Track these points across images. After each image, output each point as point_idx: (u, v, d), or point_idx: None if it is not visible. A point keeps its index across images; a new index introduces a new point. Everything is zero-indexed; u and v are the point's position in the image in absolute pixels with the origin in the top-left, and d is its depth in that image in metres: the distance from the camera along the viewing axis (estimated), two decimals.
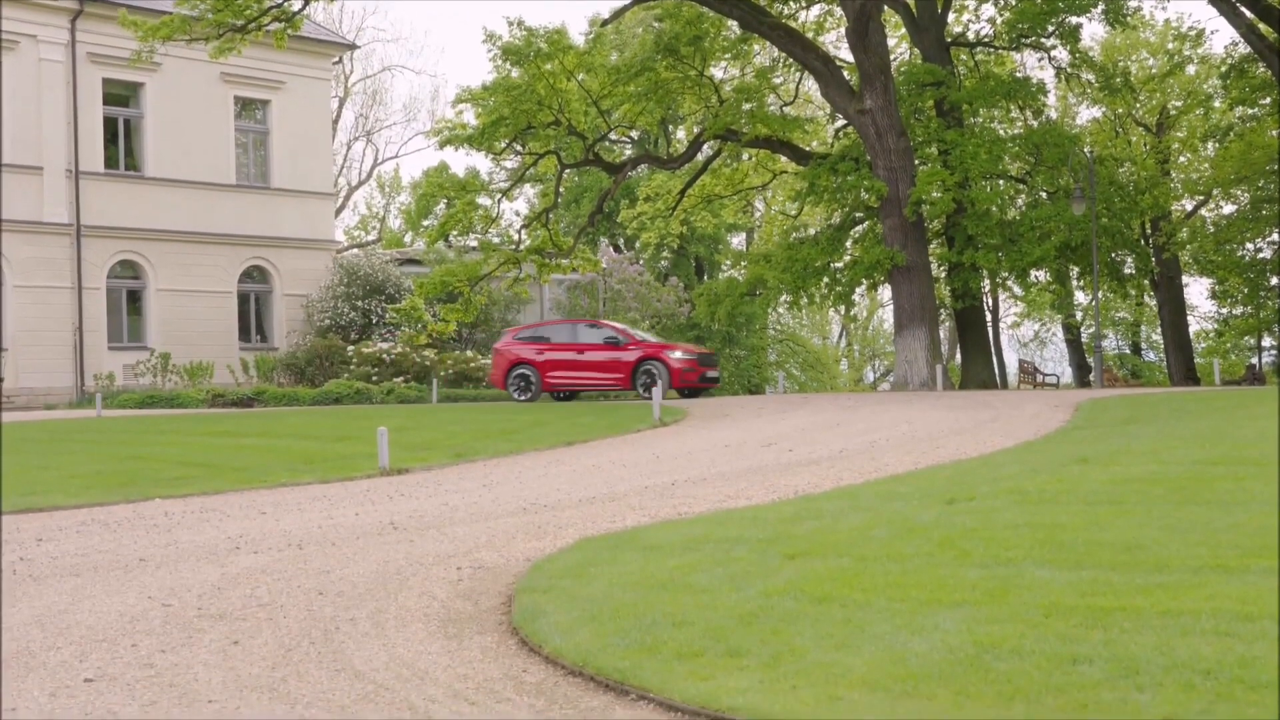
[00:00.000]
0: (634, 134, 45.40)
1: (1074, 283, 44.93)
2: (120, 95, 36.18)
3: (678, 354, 29.64)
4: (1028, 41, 36.90)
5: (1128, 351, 61.65)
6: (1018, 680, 5.06)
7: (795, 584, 6.97)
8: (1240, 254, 42.11)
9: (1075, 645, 5.45)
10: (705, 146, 36.03)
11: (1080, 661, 5.23)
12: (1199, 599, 6.04)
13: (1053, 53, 38.06)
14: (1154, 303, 51.16)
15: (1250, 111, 38.20)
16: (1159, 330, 53.81)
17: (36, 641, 6.82)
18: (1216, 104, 42.82)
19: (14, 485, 14.25)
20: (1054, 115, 47.00)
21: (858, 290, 38.56)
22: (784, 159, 37.74)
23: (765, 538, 8.47)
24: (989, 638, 5.64)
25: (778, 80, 38.68)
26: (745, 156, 38.97)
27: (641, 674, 5.53)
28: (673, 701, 5.22)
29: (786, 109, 38.45)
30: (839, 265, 35.08)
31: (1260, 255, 42.48)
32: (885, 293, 48.54)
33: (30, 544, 10.34)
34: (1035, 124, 38.05)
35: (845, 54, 37.80)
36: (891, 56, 35.97)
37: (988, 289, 46.96)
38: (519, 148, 34.76)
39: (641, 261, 47.81)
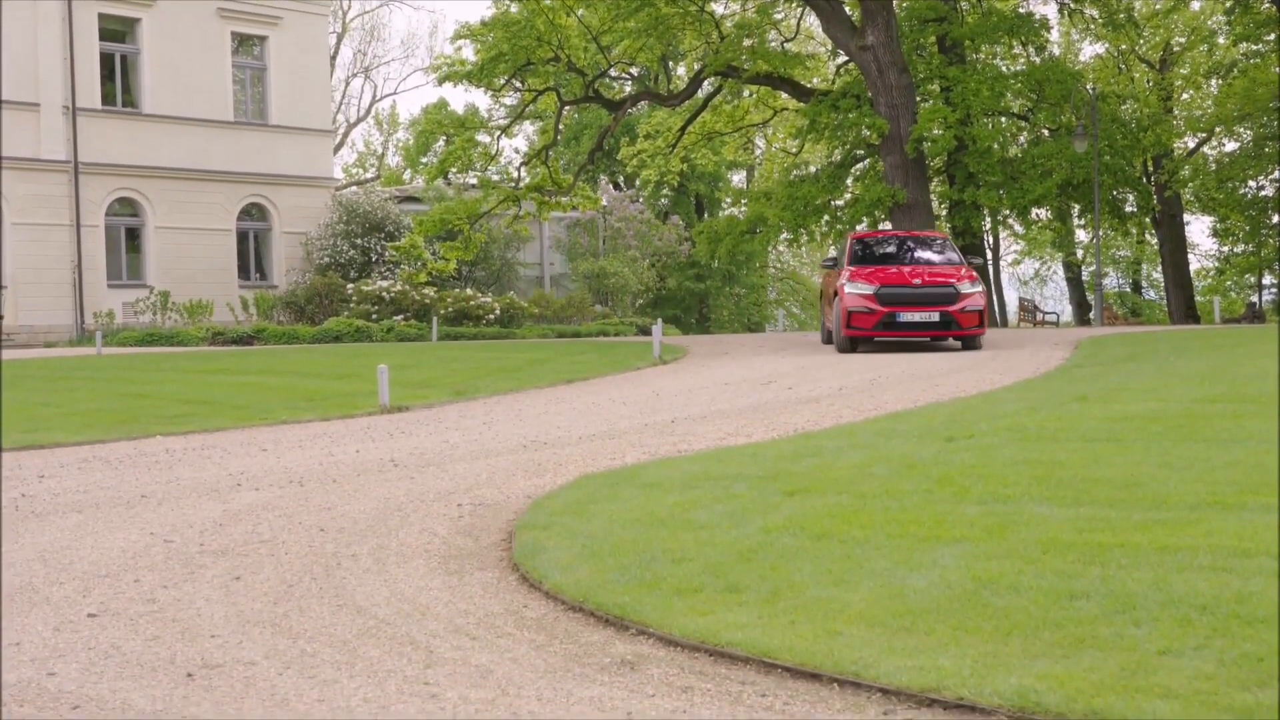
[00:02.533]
0: (634, 70, 45.09)
1: (1075, 221, 44.85)
2: (116, 31, 35.91)
3: (857, 285, 20.61)
4: None
5: (1128, 289, 61.62)
6: (1015, 615, 5.09)
7: (794, 521, 7.00)
8: (1242, 192, 41.98)
9: (1073, 581, 5.48)
10: (705, 83, 35.80)
11: (1077, 597, 5.26)
12: (1196, 535, 6.07)
13: None
14: (1155, 241, 51.06)
15: (1254, 48, 37.94)
16: (1159, 268, 53.76)
17: (39, 577, 6.85)
18: (1220, 40, 42.53)
19: (15, 422, 14.28)
20: (1056, 52, 46.68)
21: (859, 228, 38.47)
22: (785, 96, 37.54)
23: (764, 475, 8.49)
24: (987, 573, 5.67)
25: (779, 16, 38.38)
26: (746, 93, 38.74)
27: (641, 609, 5.57)
28: (672, 636, 5.25)
29: (787, 45, 38.16)
30: (840, 203, 35.00)
31: (1262, 193, 42.36)
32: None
33: (32, 480, 10.37)
34: (1037, 60, 37.79)
35: None
36: None
37: (988, 227, 46.85)
38: (518, 84, 34.55)
39: (641, 199, 47.66)
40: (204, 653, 5.40)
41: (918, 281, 20.85)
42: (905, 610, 5.27)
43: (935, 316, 20.45)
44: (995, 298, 45.53)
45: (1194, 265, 53.66)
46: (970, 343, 20.92)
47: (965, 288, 20.72)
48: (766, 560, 6.21)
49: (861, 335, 20.79)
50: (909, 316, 20.50)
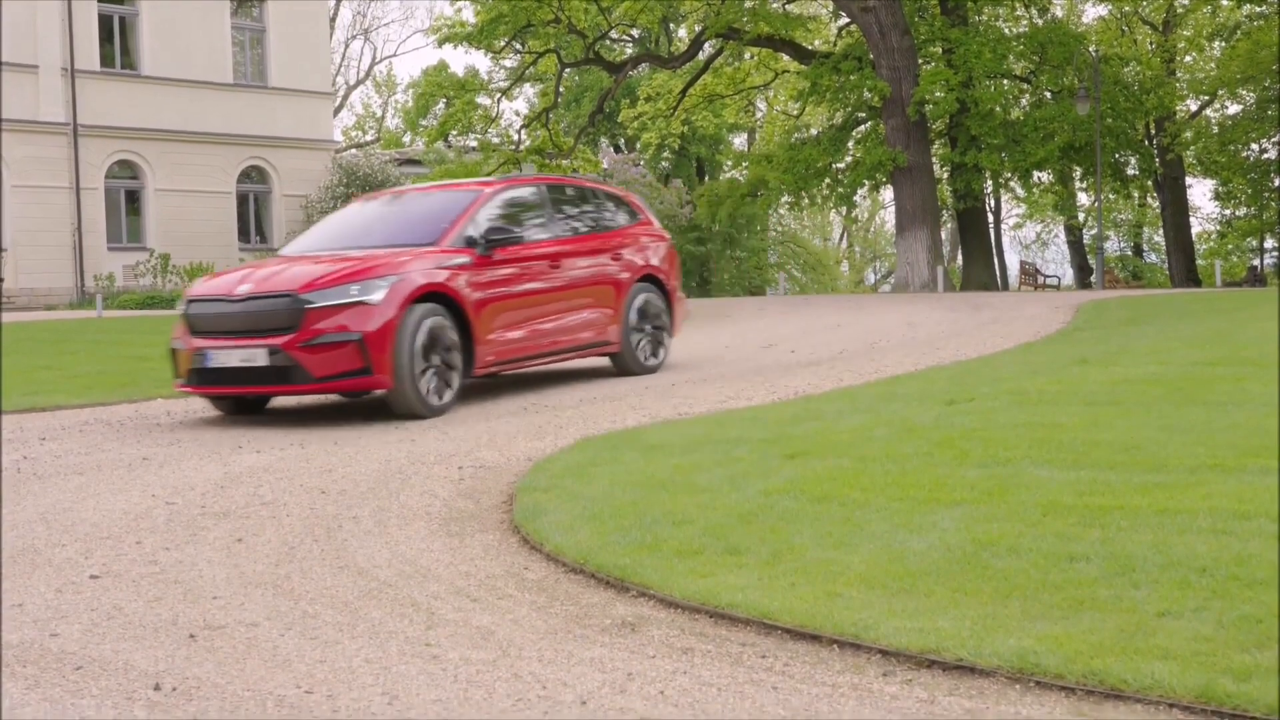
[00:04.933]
0: (635, 32, 44.91)
1: (1077, 184, 44.76)
2: None
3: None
4: None
5: (1129, 253, 61.52)
6: (1015, 577, 5.11)
7: (795, 483, 7.01)
8: (1244, 155, 41.87)
9: (1072, 543, 5.50)
10: (707, 45, 35.69)
11: (1077, 559, 5.28)
12: (1196, 498, 6.08)
13: None
14: (1156, 204, 50.96)
15: (1258, 10, 37.77)
16: (1161, 232, 53.66)
17: (41, 539, 6.87)
18: (1224, 2, 42.31)
19: (16, 385, 14.28)
20: (1059, 13, 46.46)
21: (859, 191, 38.40)
22: (786, 58, 37.42)
23: (765, 438, 8.50)
24: (987, 536, 5.68)
25: None
26: (747, 55, 38.61)
27: (642, 571, 5.58)
28: (672, 598, 5.27)
29: (789, 7, 38.01)
30: (841, 166, 34.93)
31: (1265, 156, 42.26)
32: (887, 194, 48.28)
33: (34, 443, 10.38)
34: (1040, 22, 37.62)
35: None
36: None
37: (990, 190, 46.75)
38: (518, 46, 34.49)
39: (642, 162, 47.56)
40: (206, 614, 5.42)
41: (245, 290, 11.05)
42: (905, 572, 5.28)
43: (262, 357, 10.74)
44: (997, 261, 45.37)
45: (1195, 228, 53.53)
46: (397, 400, 10.91)
47: (329, 298, 10.68)
48: (767, 523, 6.23)
49: (189, 390, 11.54)
50: (222, 359, 11.00)
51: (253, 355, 10.77)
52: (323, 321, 10.60)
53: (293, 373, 10.66)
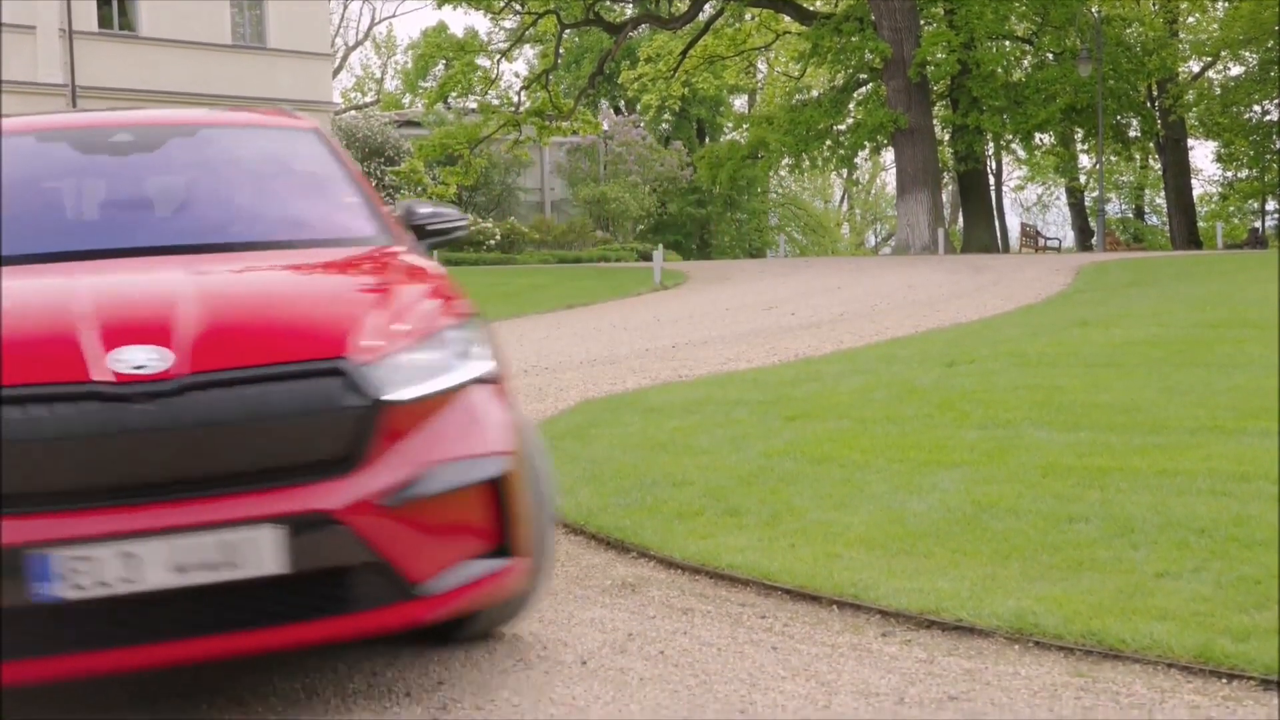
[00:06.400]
0: None
1: (1078, 146, 44.62)
2: None
3: None
4: None
5: (1130, 215, 61.38)
6: (1014, 539, 5.12)
7: (795, 445, 7.02)
8: (1246, 116, 41.70)
9: (1072, 504, 5.51)
10: (707, 6, 35.51)
11: (1076, 520, 5.29)
12: (1196, 459, 6.09)
13: None
14: (1158, 166, 50.81)
15: None
16: (1162, 194, 53.51)
17: None
18: None
19: None
20: None
21: (860, 154, 38.30)
22: (787, 19, 37.24)
23: (765, 400, 8.51)
24: (986, 497, 5.69)
25: None
26: (748, 16, 38.41)
27: (642, 532, 5.59)
28: (673, 559, 5.28)
29: None
30: (842, 128, 34.82)
31: (1267, 118, 42.09)
32: (888, 156, 48.16)
33: None
34: None
35: None
36: None
37: (991, 152, 46.63)
38: (518, 6, 34.27)
39: (643, 124, 47.38)
40: None
41: (154, 362, 3.49)
42: (905, 533, 5.29)
43: (268, 554, 3.42)
44: (998, 224, 45.27)
45: (1197, 190, 53.30)
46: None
47: (415, 379, 3.85)
48: (767, 484, 6.24)
49: None
50: (120, 570, 3.34)
51: (233, 551, 3.45)
52: (422, 442, 3.81)
53: (353, 590, 3.61)
